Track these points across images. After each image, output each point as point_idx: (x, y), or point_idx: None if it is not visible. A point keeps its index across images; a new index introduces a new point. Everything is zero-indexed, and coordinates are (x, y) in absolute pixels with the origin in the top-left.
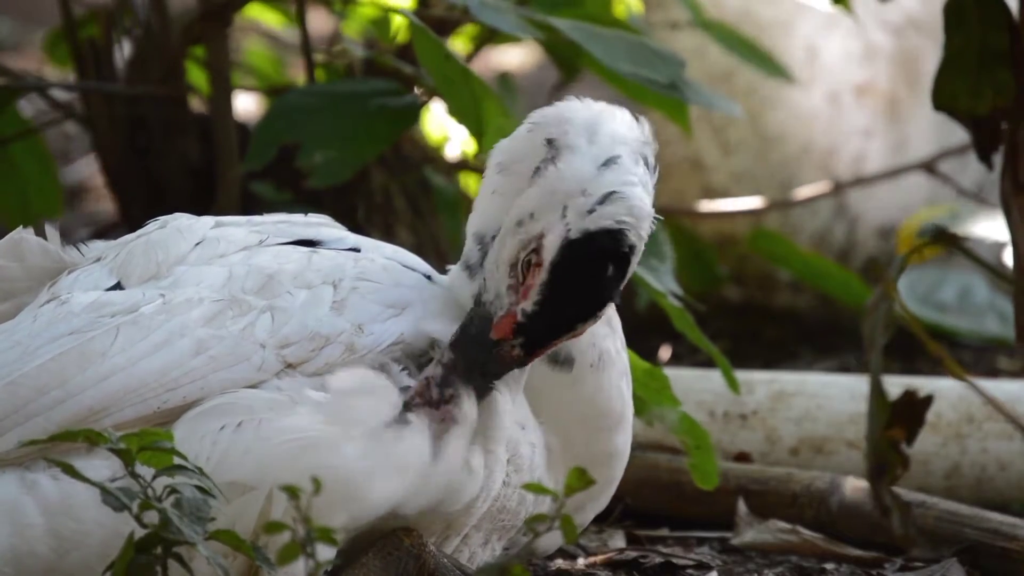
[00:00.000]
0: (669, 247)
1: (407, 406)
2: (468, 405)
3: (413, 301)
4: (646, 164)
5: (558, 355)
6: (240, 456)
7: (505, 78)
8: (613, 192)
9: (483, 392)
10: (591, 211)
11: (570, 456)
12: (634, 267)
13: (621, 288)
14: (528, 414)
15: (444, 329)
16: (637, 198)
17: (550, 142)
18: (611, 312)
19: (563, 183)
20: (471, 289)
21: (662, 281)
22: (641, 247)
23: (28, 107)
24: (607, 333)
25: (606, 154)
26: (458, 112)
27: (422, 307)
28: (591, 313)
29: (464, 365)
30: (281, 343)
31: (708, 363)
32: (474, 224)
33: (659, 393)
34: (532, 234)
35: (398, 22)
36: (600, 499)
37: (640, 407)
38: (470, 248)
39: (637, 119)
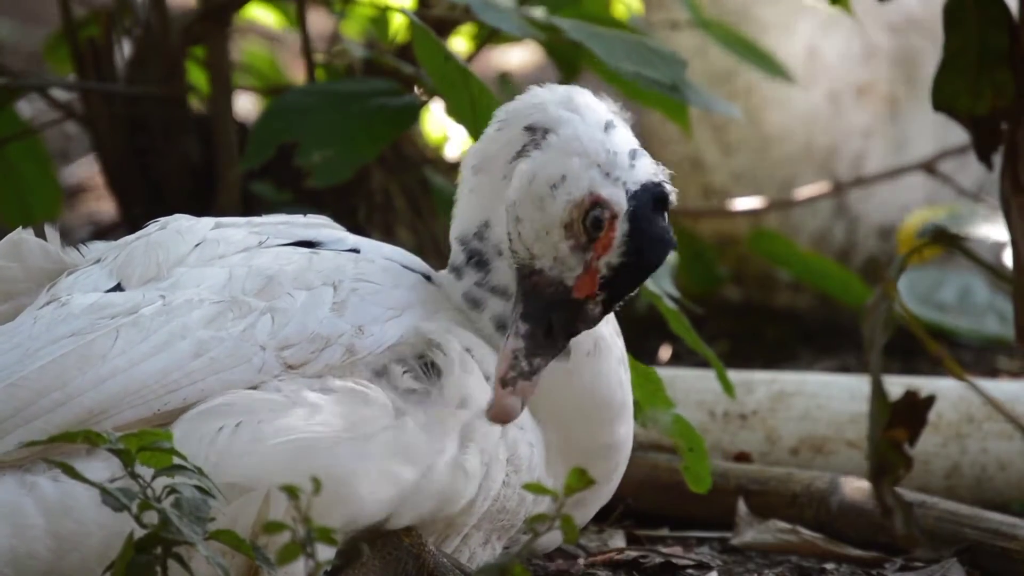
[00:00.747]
0: None
1: (504, 383)
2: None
3: (413, 302)
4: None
5: None
6: (238, 457)
7: (505, 78)
8: (634, 149)
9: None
10: (632, 166)
11: (571, 450)
12: None
13: None
14: (527, 414)
15: (444, 330)
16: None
17: (530, 129)
18: None
19: (580, 144)
20: (460, 289)
21: (658, 283)
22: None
23: (28, 107)
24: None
25: (601, 120)
26: (456, 112)
27: (422, 308)
28: (664, 258)
29: (544, 332)
30: (281, 344)
31: (708, 363)
32: (456, 229)
33: (653, 395)
34: (580, 192)
35: (398, 22)
36: (602, 493)
37: (634, 410)
38: (455, 251)
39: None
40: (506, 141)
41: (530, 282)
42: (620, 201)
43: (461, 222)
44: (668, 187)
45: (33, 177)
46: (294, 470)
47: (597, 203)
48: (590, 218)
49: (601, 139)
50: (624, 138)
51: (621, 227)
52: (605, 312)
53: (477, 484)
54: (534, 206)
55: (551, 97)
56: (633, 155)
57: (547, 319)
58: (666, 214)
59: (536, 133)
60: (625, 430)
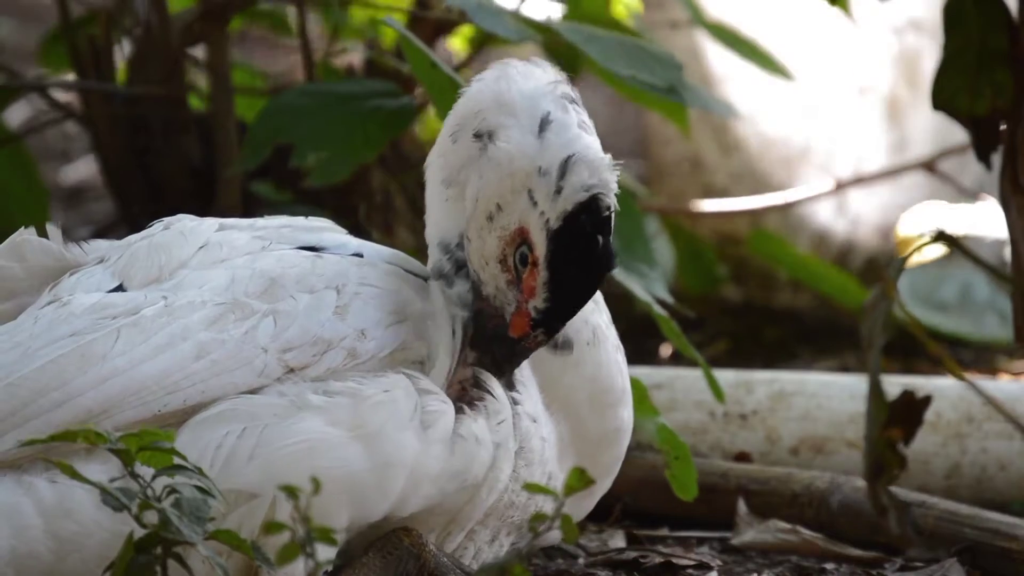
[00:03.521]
0: (664, 250)
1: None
2: (500, 394)
3: (415, 307)
4: (572, 101)
5: (557, 341)
6: (244, 462)
7: None
8: (567, 157)
9: (510, 378)
10: (558, 191)
11: (580, 439)
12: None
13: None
14: (540, 408)
15: (446, 335)
16: (588, 149)
17: (477, 136)
18: None
19: (512, 163)
20: (454, 295)
21: (650, 288)
22: (614, 199)
23: (28, 107)
24: (594, 308)
25: (536, 117)
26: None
27: (424, 313)
28: (600, 283)
29: (490, 361)
30: (283, 347)
31: (709, 362)
32: (435, 234)
33: (638, 403)
34: (511, 229)
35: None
36: (606, 479)
37: None
38: (439, 259)
39: (533, 60)
40: (464, 149)
41: (478, 306)
42: (540, 246)
43: (441, 229)
44: (603, 199)
45: (17, 184)
46: (301, 473)
47: (524, 241)
48: (519, 255)
49: (534, 152)
50: (560, 140)
51: (541, 275)
52: (550, 338)
53: (490, 450)
54: (477, 234)
55: (486, 100)
56: (564, 167)
57: (491, 350)
58: (600, 236)
59: (483, 138)
60: (628, 414)
